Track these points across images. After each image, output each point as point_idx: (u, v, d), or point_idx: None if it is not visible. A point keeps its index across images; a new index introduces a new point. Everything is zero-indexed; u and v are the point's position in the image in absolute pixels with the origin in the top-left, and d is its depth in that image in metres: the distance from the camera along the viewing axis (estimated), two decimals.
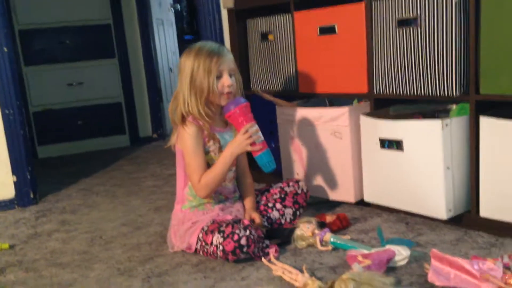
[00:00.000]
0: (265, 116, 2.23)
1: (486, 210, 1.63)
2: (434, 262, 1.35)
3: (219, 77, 1.67)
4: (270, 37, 2.31)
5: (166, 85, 4.18)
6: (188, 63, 1.68)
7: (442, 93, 1.69)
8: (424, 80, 1.73)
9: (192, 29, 7.19)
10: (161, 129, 4.00)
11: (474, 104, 1.62)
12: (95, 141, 3.80)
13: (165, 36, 4.34)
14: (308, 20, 2.09)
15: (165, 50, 4.28)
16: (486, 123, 1.58)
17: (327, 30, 2.01)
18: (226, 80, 1.67)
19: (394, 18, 1.78)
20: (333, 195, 2.00)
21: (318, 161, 2.02)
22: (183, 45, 4.92)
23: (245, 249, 1.53)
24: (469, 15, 1.60)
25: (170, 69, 4.37)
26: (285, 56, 2.24)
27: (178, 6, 5.13)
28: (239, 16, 2.45)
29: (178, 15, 5.66)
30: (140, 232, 1.97)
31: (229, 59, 1.70)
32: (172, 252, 1.73)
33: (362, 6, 1.88)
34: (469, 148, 1.66)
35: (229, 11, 2.46)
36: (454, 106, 1.77)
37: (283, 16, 2.22)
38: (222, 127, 1.76)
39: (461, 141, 1.66)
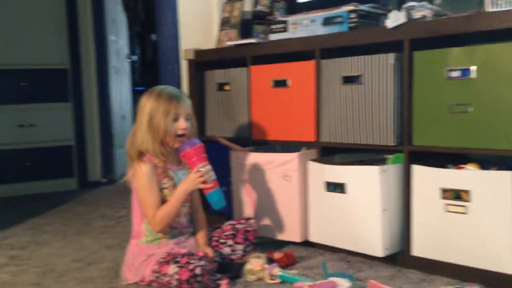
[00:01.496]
0: (217, 162, 2.35)
1: (418, 249, 1.81)
2: None
3: (175, 120, 1.80)
4: (227, 87, 2.48)
5: (118, 132, 4.25)
6: (148, 103, 1.81)
7: (380, 143, 1.89)
8: (365, 131, 1.93)
9: (144, 81, 7.35)
10: (110, 174, 4.03)
11: (408, 153, 1.84)
12: (43, 183, 3.77)
13: (120, 85, 4.45)
14: (263, 74, 2.29)
15: (119, 98, 4.38)
16: (418, 171, 1.79)
17: (280, 84, 2.21)
18: (182, 124, 1.80)
19: (340, 75, 2.00)
20: (280, 235, 2.13)
21: (268, 202, 2.16)
22: (135, 96, 5.06)
23: (199, 279, 1.62)
24: (404, 77, 1.84)
25: (123, 117, 4.45)
26: (240, 105, 2.41)
27: (135, 57, 5.28)
28: (198, 67, 2.62)
29: (131, 67, 5.80)
30: (92, 267, 2.00)
31: (187, 105, 1.84)
32: (125, 285, 1.78)
33: (312, 63, 2.09)
34: (403, 193, 1.85)
35: (190, 62, 2.63)
36: (390, 156, 1.98)
37: (239, 69, 2.41)
38: (176, 166, 1.88)
39: (396, 186, 1.86)
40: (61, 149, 3.84)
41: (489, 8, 1.65)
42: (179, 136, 1.81)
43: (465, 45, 1.71)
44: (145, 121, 1.80)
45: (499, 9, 1.62)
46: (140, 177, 1.80)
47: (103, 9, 4.02)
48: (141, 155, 1.81)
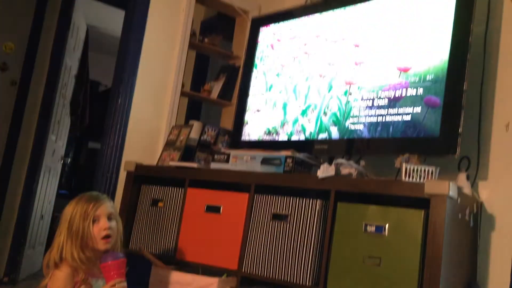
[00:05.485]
0: (135, 276, 2.35)
1: None
2: None
3: (96, 221, 1.83)
4: (160, 204, 2.57)
5: (33, 231, 4.09)
6: (68, 210, 1.84)
7: (298, 282, 2.00)
8: (286, 269, 2.05)
9: (69, 185, 7.22)
10: (14, 274, 3.78)
11: None
12: None
13: (48, 184, 4.39)
14: (198, 197, 2.41)
15: (43, 197, 4.29)
16: None
17: (213, 209, 2.33)
18: (104, 224, 1.82)
19: (270, 212, 2.16)
20: None
21: None
22: (57, 198, 4.96)
23: None
24: (327, 223, 2.02)
25: (42, 216, 4.32)
26: (170, 223, 2.49)
27: (68, 160, 5.27)
28: (135, 180, 2.71)
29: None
30: None
31: (107, 205, 1.87)
32: None
33: (246, 196, 2.25)
34: None
35: (129, 173, 2.73)
36: None
37: (176, 189, 2.52)
38: (98, 273, 1.87)
39: None
40: None
41: (404, 178, 1.92)
42: (105, 237, 1.82)
43: (382, 204, 1.93)
44: (65, 228, 1.80)
45: (411, 181, 1.89)
46: (56, 280, 1.78)
47: (50, 111, 4.09)
48: (57, 265, 1.80)
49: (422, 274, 1.75)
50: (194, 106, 4.04)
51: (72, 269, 1.78)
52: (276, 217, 2.14)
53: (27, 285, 3.72)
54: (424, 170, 1.89)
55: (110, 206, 1.89)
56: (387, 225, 1.87)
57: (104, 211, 1.84)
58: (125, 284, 1.79)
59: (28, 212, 3.95)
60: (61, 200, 5.69)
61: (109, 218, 1.85)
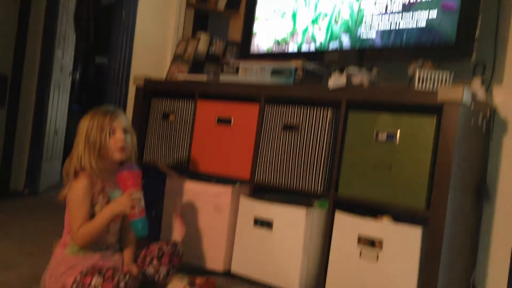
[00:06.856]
0: (150, 186, 2.42)
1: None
2: None
3: (112, 133, 1.86)
4: (171, 117, 2.58)
5: (49, 145, 4.18)
6: (84, 123, 1.85)
7: (309, 188, 2.06)
8: (297, 176, 2.09)
9: (80, 100, 7.24)
10: (34, 186, 3.92)
11: (333, 200, 2.01)
12: None
13: (58, 100, 4.41)
14: (208, 110, 2.42)
15: (55, 113, 4.32)
16: (339, 217, 1.96)
17: (224, 121, 2.35)
18: (119, 135, 1.85)
19: (281, 122, 2.17)
20: (204, 263, 2.21)
21: (197, 230, 2.24)
22: (69, 113, 5.00)
23: None
24: (338, 132, 2.03)
25: (55, 131, 4.39)
26: (182, 136, 2.52)
27: (77, 75, 5.25)
28: (145, 94, 2.71)
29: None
30: (10, 272, 1.97)
31: (122, 118, 1.89)
32: None
33: (256, 107, 2.25)
34: (324, 236, 2.01)
35: (138, 88, 2.72)
36: (317, 201, 2.14)
37: (186, 101, 2.53)
38: (114, 184, 1.92)
39: (319, 229, 2.01)
40: None
41: (417, 85, 1.90)
42: (120, 149, 1.86)
43: (393, 112, 1.93)
44: (82, 140, 1.83)
45: (424, 88, 1.87)
46: (75, 189, 1.83)
47: (54, 25, 4.01)
48: (77, 173, 1.84)
49: (432, 178, 1.78)
50: (200, 18, 3.93)
51: (90, 179, 1.83)
52: (287, 127, 2.15)
53: (47, 196, 3.85)
54: (438, 76, 1.86)
55: (125, 120, 1.91)
56: (398, 132, 1.88)
57: (119, 124, 1.87)
58: (141, 194, 1.84)
59: (42, 128, 4.01)
60: (74, 115, 5.77)
61: (124, 131, 1.87)
